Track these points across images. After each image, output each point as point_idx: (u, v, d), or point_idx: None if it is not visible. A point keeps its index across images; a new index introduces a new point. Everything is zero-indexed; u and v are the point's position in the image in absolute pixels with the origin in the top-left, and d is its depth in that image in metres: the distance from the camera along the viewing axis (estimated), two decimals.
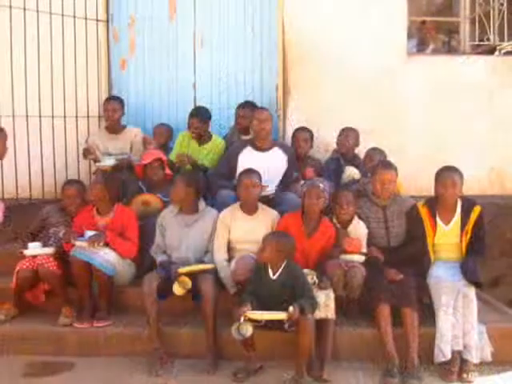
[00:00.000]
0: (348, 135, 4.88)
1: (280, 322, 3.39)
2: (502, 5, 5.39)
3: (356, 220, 3.99)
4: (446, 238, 3.91)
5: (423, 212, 3.96)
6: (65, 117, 5.27)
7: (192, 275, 3.76)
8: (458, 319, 3.59)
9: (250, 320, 3.34)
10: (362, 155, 4.83)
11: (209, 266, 3.86)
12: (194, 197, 4.06)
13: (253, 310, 3.36)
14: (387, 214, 4.00)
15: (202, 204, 4.13)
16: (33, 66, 5.12)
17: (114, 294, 4.06)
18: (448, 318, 3.58)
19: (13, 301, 4.02)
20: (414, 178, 5.17)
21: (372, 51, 5.32)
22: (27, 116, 5.09)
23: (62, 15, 5.17)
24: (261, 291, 3.52)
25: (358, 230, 3.95)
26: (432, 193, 4.01)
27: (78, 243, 3.90)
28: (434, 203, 3.96)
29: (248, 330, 3.31)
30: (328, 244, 3.92)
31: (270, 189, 4.28)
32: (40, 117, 5.15)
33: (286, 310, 3.30)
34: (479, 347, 3.60)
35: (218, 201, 4.26)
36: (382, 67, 5.34)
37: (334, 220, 4.02)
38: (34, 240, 4.20)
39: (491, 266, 4.87)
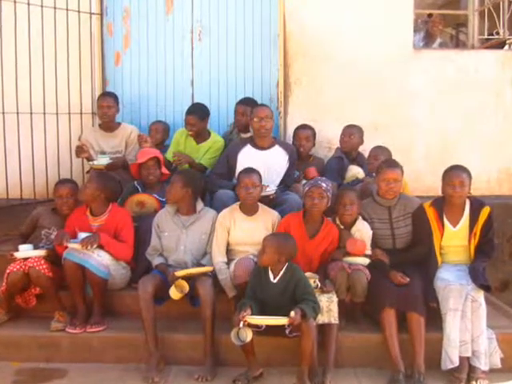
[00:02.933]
0: (352, 133, 4.89)
1: (281, 327, 3.40)
2: None
3: (360, 221, 3.99)
4: (454, 239, 3.92)
5: (430, 213, 3.97)
6: (57, 113, 5.26)
7: (190, 278, 3.76)
8: (467, 324, 3.60)
9: (250, 325, 3.34)
10: (366, 154, 4.83)
11: (207, 269, 3.86)
12: (191, 197, 4.07)
13: (253, 314, 3.37)
14: (392, 215, 4.01)
15: (199, 204, 4.13)
16: (23, 60, 5.11)
17: (109, 298, 4.06)
18: (456, 322, 3.58)
19: (3, 305, 4.01)
20: (420, 178, 5.19)
21: (376, 45, 5.32)
22: (18, 113, 5.08)
23: (55, 8, 5.16)
24: (261, 295, 3.53)
25: (362, 231, 3.96)
26: (439, 193, 4.02)
27: (70, 245, 3.90)
28: (442, 204, 3.97)
29: (248, 335, 3.32)
30: (331, 246, 3.93)
31: (271, 189, 4.28)
32: (31, 113, 5.14)
33: (287, 314, 3.30)
34: (488, 353, 3.60)
35: (217, 201, 4.27)
36: (386, 62, 5.34)
37: (337, 221, 4.03)
38: (24, 242, 4.21)
39: (500, 269, 4.90)
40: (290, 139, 5.14)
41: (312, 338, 3.38)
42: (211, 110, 5.13)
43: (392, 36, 5.36)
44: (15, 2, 5.00)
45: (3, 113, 5.05)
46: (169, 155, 4.93)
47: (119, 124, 5.13)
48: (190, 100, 5.51)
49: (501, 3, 5.42)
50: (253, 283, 3.58)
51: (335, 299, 3.67)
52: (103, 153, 4.98)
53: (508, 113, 5.44)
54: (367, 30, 5.32)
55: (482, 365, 3.56)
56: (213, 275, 3.87)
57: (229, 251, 4.01)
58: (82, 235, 3.94)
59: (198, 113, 4.93)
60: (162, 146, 5.16)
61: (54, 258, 4.01)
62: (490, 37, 5.61)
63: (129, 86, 5.61)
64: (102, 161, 4.78)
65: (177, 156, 4.79)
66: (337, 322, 3.65)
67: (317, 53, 5.35)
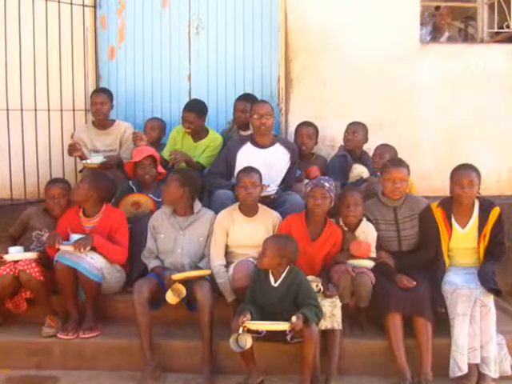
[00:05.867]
0: (356, 130, 4.89)
1: (282, 332, 3.40)
2: None
3: (364, 222, 3.99)
4: (463, 241, 3.92)
5: (437, 213, 3.97)
6: (49, 110, 5.26)
7: (187, 282, 3.76)
8: (476, 330, 3.60)
9: (250, 331, 3.34)
10: (370, 152, 4.83)
11: (205, 272, 3.87)
12: (188, 197, 4.07)
13: (252, 319, 3.37)
14: (398, 216, 4.01)
15: (197, 205, 4.13)
16: (14, 54, 5.11)
17: (102, 303, 4.06)
18: (464, 328, 3.58)
19: None
20: (427, 177, 5.20)
21: (381, 39, 5.32)
22: (8, 109, 5.09)
23: (46, 0, 5.17)
24: (261, 299, 3.53)
25: (367, 232, 3.96)
26: (447, 193, 4.02)
27: (62, 247, 3.90)
28: (450, 204, 3.97)
29: (247, 341, 3.32)
30: (334, 248, 3.93)
31: (272, 189, 4.28)
32: (22, 110, 5.14)
33: (288, 319, 3.30)
34: (498, 360, 3.61)
35: (215, 202, 4.27)
36: (392, 57, 5.34)
37: (341, 222, 4.03)
38: (15, 244, 4.21)
39: (511, 272, 4.88)
40: (291, 137, 5.14)
41: (314, 344, 3.38)
42: (209, 107, 5.13)
43: (398, 30, 5.35)
44: None
45: None
46: (165, 154, 4.93)
47: (113, 121, 5.13)
48: (188, 96, 5.51)
49: None
50: (253, 287, 3.58)
51: (339, 304, 3.67)
52: (97, 151, 4.99)
53: None
54: (371, 23, 5.32)
55: (492, 372, 3.56)
56: (211, 279, 3.87)
57: (228, 254, 4.01)
58: (75, 237, 3.94)
59: (196, 110, 4.93)
60: (158, 144, 5.16)
61: (46, 261, 4.01)
62: (500, 30, 5.60)
63: (123, 81, 5.60)
64: (96, 160, 4.79)
65: (173, 154, 4.79)
66: (340, 327, 3.65)
67: (319, 47, 5.35)
